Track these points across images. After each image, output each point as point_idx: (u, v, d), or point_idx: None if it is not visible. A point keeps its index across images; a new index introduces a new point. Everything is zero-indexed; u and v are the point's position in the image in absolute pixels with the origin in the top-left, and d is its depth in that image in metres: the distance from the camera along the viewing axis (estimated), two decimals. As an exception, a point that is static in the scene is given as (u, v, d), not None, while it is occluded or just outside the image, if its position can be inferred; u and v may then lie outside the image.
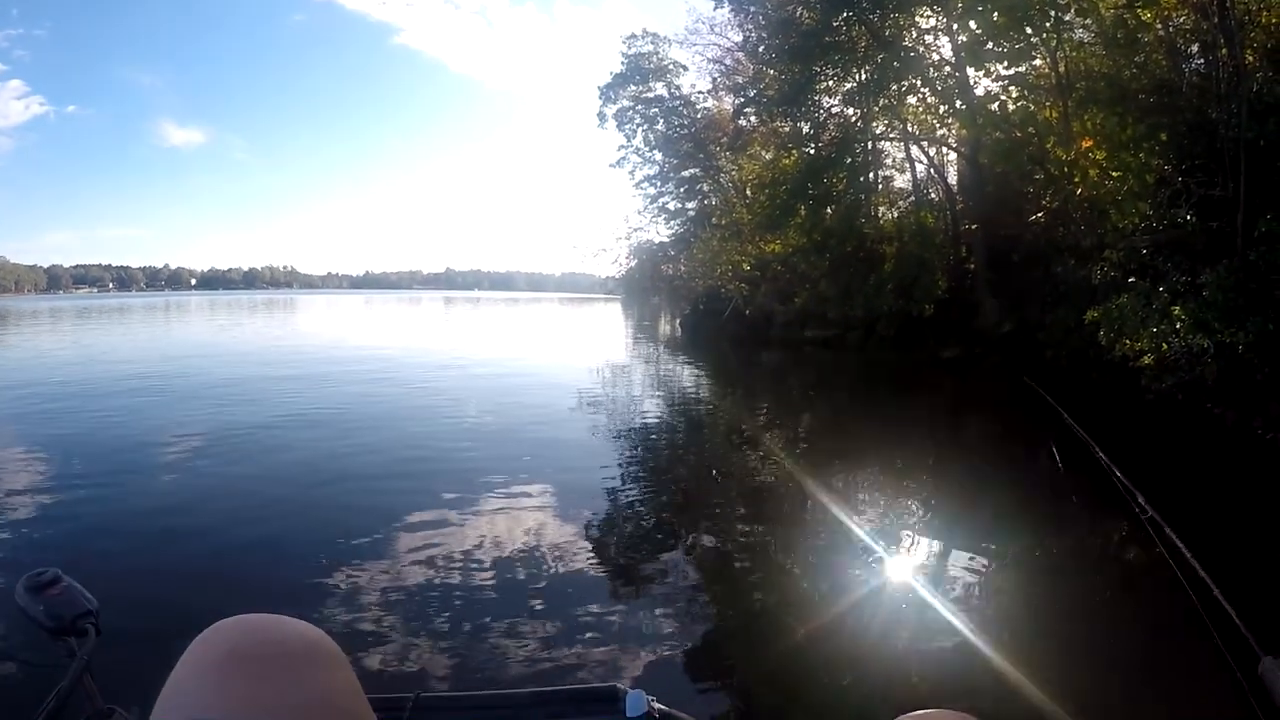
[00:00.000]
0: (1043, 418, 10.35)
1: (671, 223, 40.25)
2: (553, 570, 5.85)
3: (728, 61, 33.64)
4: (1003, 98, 14.17)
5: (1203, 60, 12.90)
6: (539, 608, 5.14)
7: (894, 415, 14.67)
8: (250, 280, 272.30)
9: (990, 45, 13.66)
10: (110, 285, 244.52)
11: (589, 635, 4.80)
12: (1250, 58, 10.88)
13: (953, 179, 24.19)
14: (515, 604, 5.19)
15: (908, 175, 26.18)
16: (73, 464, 9.19)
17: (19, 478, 8.50)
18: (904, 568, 6.15)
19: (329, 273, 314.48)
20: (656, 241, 41.12)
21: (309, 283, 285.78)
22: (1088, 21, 13.41)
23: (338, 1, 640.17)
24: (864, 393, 18.89)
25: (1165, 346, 11.91)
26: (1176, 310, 11.58)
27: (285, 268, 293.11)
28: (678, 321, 41.41)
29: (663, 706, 1.30)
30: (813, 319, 28.20)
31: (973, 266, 21.16)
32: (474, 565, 5.88)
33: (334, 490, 8.13)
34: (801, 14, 22.08)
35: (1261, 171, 10.53)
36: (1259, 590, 3.77)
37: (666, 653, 4.66)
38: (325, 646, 0.66)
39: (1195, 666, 3.80)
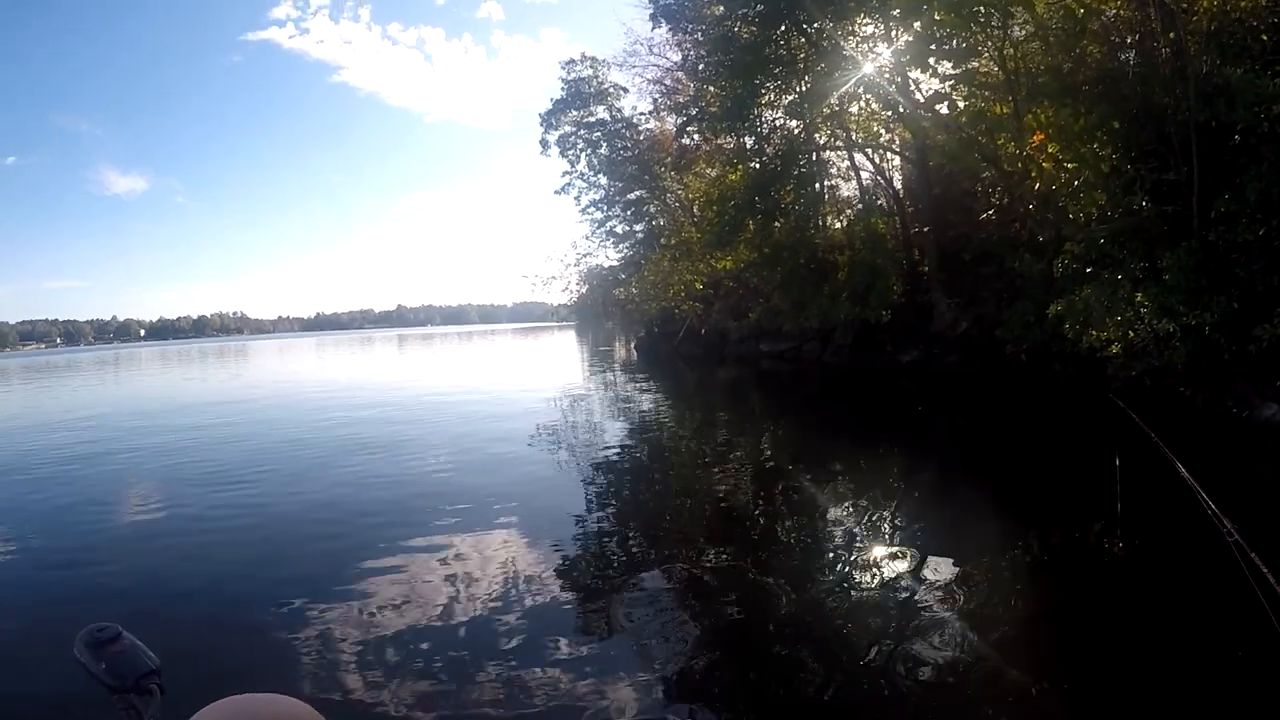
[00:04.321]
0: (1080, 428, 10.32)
1: (620, 246, 40.20)
2: (544, 604, 5.71)
3: (668, 81, 33.81)
4: (953, 96, 14.23)
5: (1135, 50, 13.09)
6: (554, 641, 5.01)
7: (869, 426, 14.56)
8: (200, 328, 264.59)
9: (934, 45, 13.73)
10: (58, 340, 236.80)
11: (609, 664, 4.66)
12: (1191, 42, 11.02)
13: (898, 184, 24.40)
14: (526, 638, 5.09)
15: (853, 183, 26.45)
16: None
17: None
18: (934, 583, 5.99)
19: (279, 316, 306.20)
20: (606, 266, 41.05)
21: (260, 328, 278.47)
22: (1027, 18, 13.55)
23: (275, 41, 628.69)
24: (826, 404, 18.82)
25: (1132, 334, 11.97)
26: (1140, 297, 11.64)
27: (235, 314, 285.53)
28: (632, 345, 41.24)
29: None
30: (768, 333, 28.26)
31: (925, 269, 21.26)
32: (471, 602, 5.72)
33: (309, 532, 7.95)
34: (740, 29, 22.13)
35: (1213, 152, 10.64)
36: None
37: (695, 676, 4.58)
38: None
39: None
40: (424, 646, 5.02)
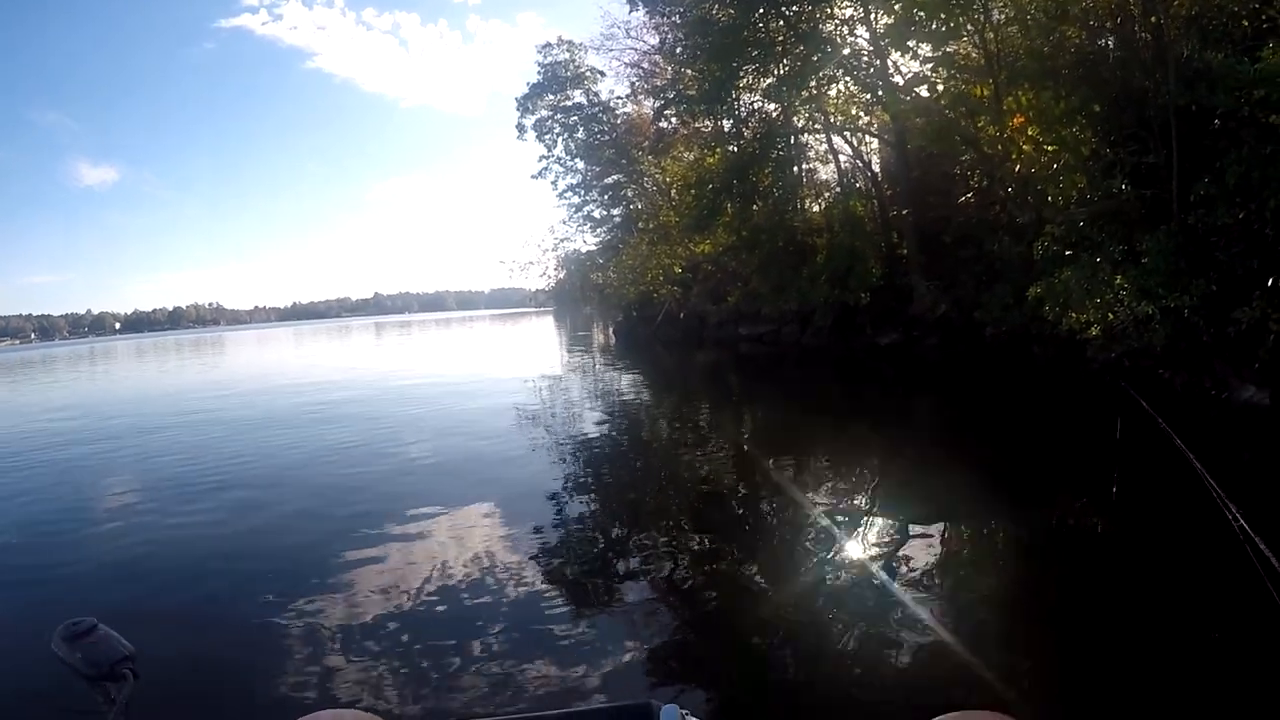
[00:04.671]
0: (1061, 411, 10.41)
1: (598, 230, 40.07)
2: (525, 589, 5.72)
3: (645, 65, 33.49)
4: (931, 78, 14.24)
5: (1115, 34, 13.13)
6: (538, 629, 5.02)
7: (849, 408, 14.67)
8: (176, 320, 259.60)
9: (914, 27, 13.72)
10: (32, 335, 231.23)
11: (593, 651, 4.68)
12: (1171, 27, 11.09)
13: (877, 167, 24.44)
14: (514, 626, 5.07)
15: (831, 167, 26.39)
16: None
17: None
18: (919, 565, 5.98)
19: (256, 306, 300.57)
20: (584, 251, 40.80)
21: (236, 318, 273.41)
22: (1007, 1, 13.57)
23: (248, 28, 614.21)
24: (805, 386, 18.92)
25: (1111, 316, 12.07)
26: (1119, 280, 11.74)
27: (211, 305, 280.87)
28: (611, 329, 41.16)
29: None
30: (746, 317, 28.27)
31: (904, 252, 21.34)
32: (451, 592, 5.71)
33: (289, 522, 7.89)
34: (718, 12, 21.95)
35: (1193, 137, 10.73)
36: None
37: (680, 665, 4.59)
38: None
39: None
40: (404, 633, 5.03)
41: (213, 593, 6.09)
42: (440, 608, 5.46)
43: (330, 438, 12.61)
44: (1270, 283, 8.88)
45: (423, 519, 7.61)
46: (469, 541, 6.86)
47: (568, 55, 35.49)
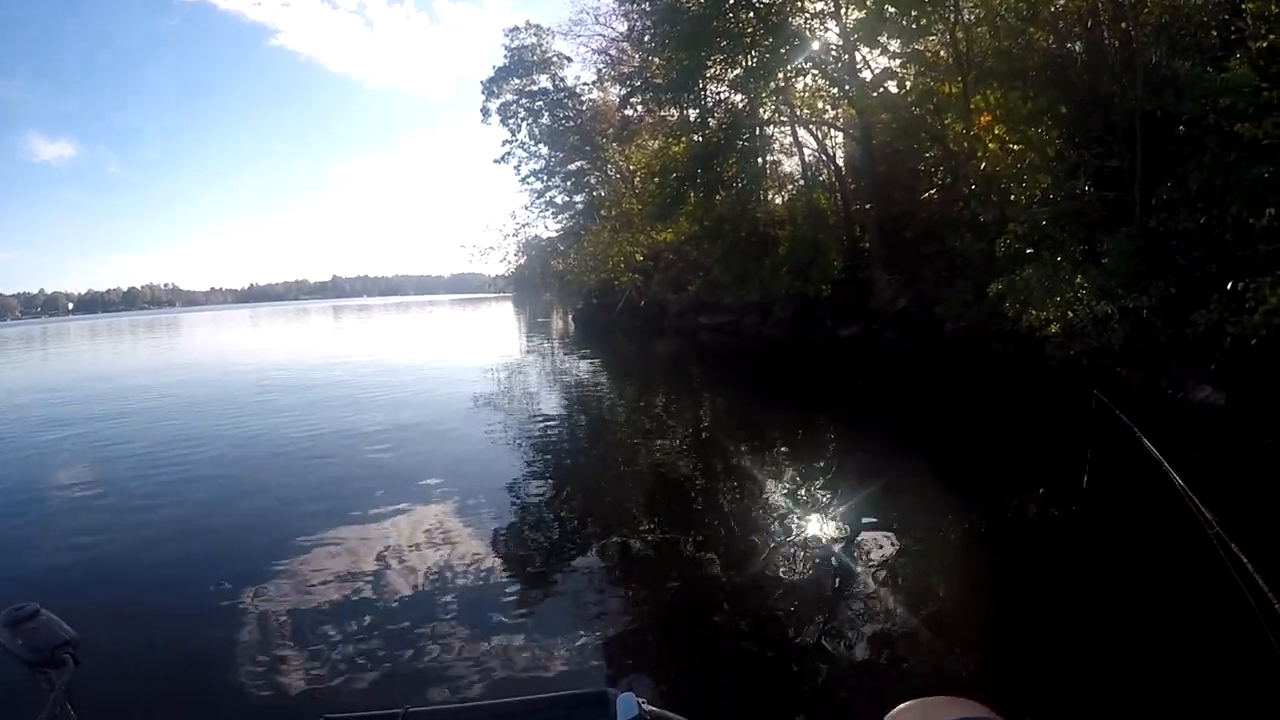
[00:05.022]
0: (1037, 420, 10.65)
1: (560, 217, 39.95)
2: (482, 578, 5.74)
3: (612, 52, 33.37)
4: (900, 74, 14.34)
5: (1083, 39, 13.35)
6: (494, 617, 5.04)
7: (808, 399, 14.79)
8: (131, 301, 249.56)
9: (886, 21, 13.80)
10: None
11: (551, 639, 4.72)
12: (1139, 35, 11.29)
13: (841, 161, 24.59)
14: (470, 614, 5.10)
15: (796, 159, 26.51)
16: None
17: None
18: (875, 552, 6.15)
19: (212, 288, 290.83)
20: (545, 237, 40.60)
21: (192, 300, 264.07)
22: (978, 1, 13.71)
23: (210, 2, 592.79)
24: (765, 377, 19.08)
25: (1071, 314, 12.30)
26: (1080, 279, 11.96)
27: (167, 285, 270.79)
28: (571, 316, 41.02)
29: (653, 708, 1.32)
30: (707, 306, 28.33)
31: (867, 245, 21.53)
32: (406, 580, 5.71)
33: (242, 509, 7.87)
34: (688, 0, 21.89)
35: (1157, 142, 10.96)
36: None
37: (638, 653, 4.68)
38: None
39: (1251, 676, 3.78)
40: (357, 621, 4.99)
41: (161, 579, 6.00)
42: (395, 596, 5.43)
43: (283, 425, 12.44)
44: (1230, 286, 9.10)
45: (377, 507, 7.53)
46: (425, 530, 6.82)
47: (535, 40, 35.28)
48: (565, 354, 26.88)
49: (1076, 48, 13.14)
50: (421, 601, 5.32)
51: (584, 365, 22.70)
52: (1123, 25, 11.34)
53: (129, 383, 20.87)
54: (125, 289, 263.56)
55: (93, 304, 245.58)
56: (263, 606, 5.25)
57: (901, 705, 0.73)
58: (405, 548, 6.37)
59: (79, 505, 8.38)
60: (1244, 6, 9.67)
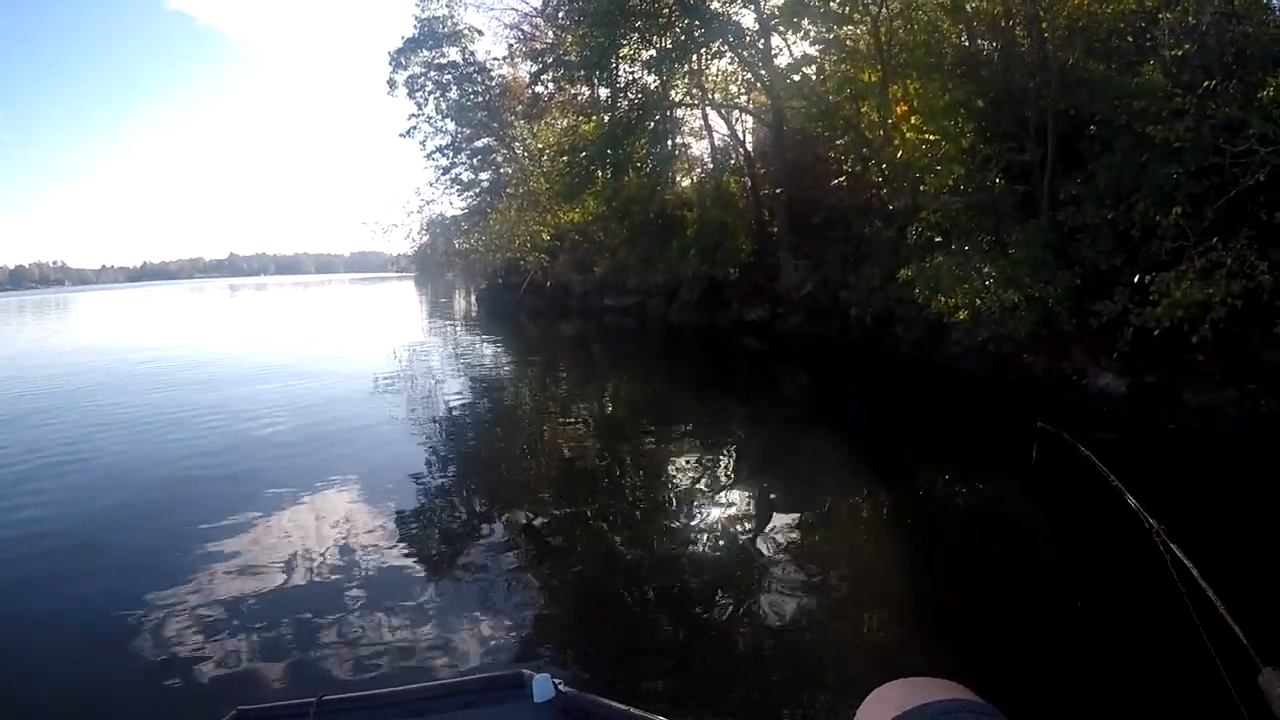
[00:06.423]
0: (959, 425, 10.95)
1: (465, 195, 39.00)
2: (387, 563, 5.70)
3: (525, 27, 32.66)
4: (819, 60, 14.45)
5: (998, 38, 13.73)
6: (406, 603, 5.01)
7: (713, 382, 15.02)
8: (18, 280, 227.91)
9: (806, 5, 13.87)
10: None
11: (463, 623, 4.71)
12: (1052, 38, 11.69)
13: (751, 145, 24.75)
14: (381, 600, 5.04)
15: (705, 142, 26.54)
16: None
17: None
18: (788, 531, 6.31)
19: (104, 266, 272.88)
20: (449, 215, 39.64)
21: (82, 278, 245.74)
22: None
23: None
24: (670, 359, 19.28)
25: (979, 302, 12.71)
26: (987, 268, 12.37)
27: (55, 263, 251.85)
28: (474, 297, 40.31)
29: (570, 689, 1.32)
30: (612, 287, 28.22)
31: (775, 230, 21.77)
32: (312, 570, 5.59)
33: (138, 504, 7.47)
34: (605, -23, 21.46)
35: (1068, 139, 11.41)
36: (1259, 600, 3.91)
37: (552, 635, 4.69)
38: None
39: (1192, 677, 3.94)
40: (264, 614, 4.85)
41: (56, 585, 5.58)
42: (302, 586, 5.29)
43: (177, 413, 11.70)
44: (1135, 280, 9.55)
45: (278, 498, 7.27)
46: (328, 519, 6.66)
47: (446, 10, 34.17)
48: (469, 335, 26.37)
49: (993, 44, 13.52)
50: (331, 590, 5.20)
51: (488, 348, 22.38)
52: (1042, 26, 11.70)
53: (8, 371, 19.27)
54: (12, 267, 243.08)
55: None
56: (166, 604, 5.00)
57: (883, 685, 0.71)
58: (311, 537, 6.19)
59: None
60: (1160, 18, 10.15)
